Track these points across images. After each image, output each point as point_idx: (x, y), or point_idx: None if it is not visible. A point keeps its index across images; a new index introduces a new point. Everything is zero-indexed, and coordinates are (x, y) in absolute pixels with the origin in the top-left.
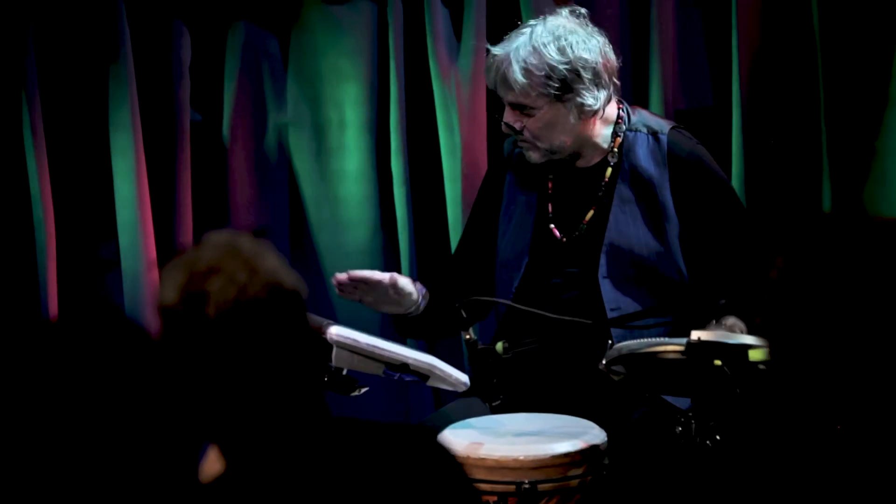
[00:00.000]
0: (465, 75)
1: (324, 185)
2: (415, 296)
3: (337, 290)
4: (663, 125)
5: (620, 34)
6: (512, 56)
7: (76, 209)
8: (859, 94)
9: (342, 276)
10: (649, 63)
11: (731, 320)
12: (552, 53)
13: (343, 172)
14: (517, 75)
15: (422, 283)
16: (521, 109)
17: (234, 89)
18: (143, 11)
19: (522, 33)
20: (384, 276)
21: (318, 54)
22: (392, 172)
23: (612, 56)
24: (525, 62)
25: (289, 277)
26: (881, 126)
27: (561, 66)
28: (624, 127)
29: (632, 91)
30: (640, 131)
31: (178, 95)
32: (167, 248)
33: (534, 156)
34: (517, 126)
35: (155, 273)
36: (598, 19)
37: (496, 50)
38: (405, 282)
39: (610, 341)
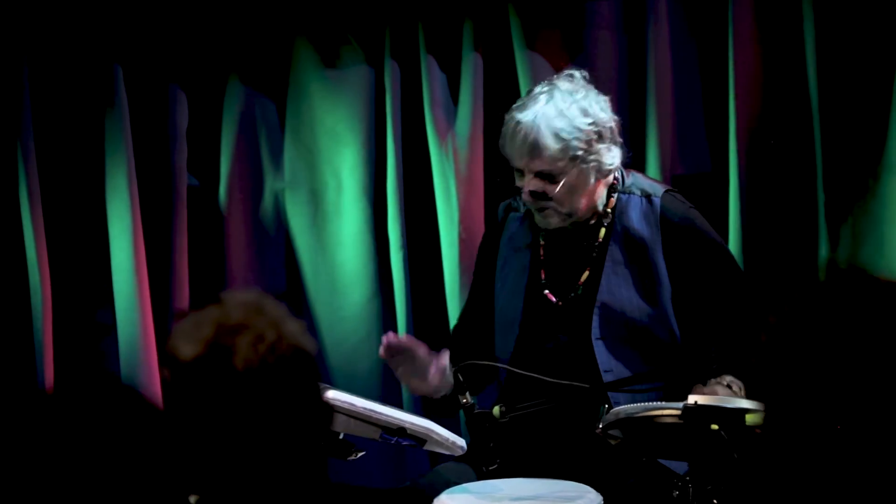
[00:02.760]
0: (463, 140)
1: (321, 248)
2: (446, 379)
3: (382, 351)
4: (657, 188)
5: (618, 100)
6: (540, 122)
7: (73, 274)
8: (856, 158)
9: (394, 339)
10: (647, 128)
11: (727, 378)
12: (577, 115)
13: (340, 236)
14: (548, 140)
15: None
16: (548, 177)
17: (230, 154)
18: (139, 76)
19: (539, 99)
20: (424, 353)
21: (315, 119)
22: (389, 237)
23: (615, 115)
24: (554, 127)
25: (308, 342)
26: (878, 191)
27: (586, 127)
28: (618, 188)
29: (630, 156)
30: (633, 194)
31: (174, 161)
32: (164, 314)
33: (554, 221)
34: (547, 193)
35: (152, 337)
36: (596, 85)
37: (522, 117)
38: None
39: (606, 405)
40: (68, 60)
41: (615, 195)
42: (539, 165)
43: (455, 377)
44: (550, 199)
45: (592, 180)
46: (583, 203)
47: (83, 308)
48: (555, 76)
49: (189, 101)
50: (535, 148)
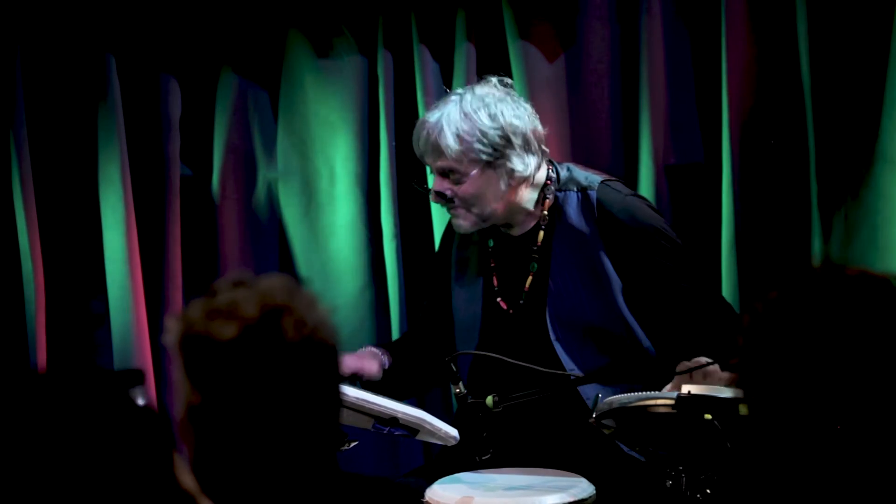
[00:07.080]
0: None
1: (314, 238)
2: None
3: None
4: (594, 180)
5: (611, 89)
6: (443, 122)
7: (66, 264)
8: (849, 149)
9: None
10: (639, 119)
11: (703, 360)
12: (483, 119)
13: (333, 226)
14: (449, 140)
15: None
16: (452, 176)
17: (223, 144)
18: (132, 66)
19: (451, 101)
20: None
21: (309, 109)
22: (382, 226)
23: (539, 125)
24: (457, 128)
25: (335, 327)
26: (871, 181)
27: (492, 132)
28: (553, 188)
29: (623, 147)
30: (570, 190)
31: (167, 150)
32: (157, 303)
33: (464, 224)
34: (448, 193)
35: (145, 327)
36: (589, 75)
37: (428, 117)
38: (373, 370)
39: (599, 394)
40: (61, 50)
41: (551, 195)
42: (442, 163)
43: (448, 367)
44: (454, 199)
45: (503, 186)
46: (496, 207)
47: (76, 297)
48: (476, 82)
49: (182, 91)
50: (435, 147)
